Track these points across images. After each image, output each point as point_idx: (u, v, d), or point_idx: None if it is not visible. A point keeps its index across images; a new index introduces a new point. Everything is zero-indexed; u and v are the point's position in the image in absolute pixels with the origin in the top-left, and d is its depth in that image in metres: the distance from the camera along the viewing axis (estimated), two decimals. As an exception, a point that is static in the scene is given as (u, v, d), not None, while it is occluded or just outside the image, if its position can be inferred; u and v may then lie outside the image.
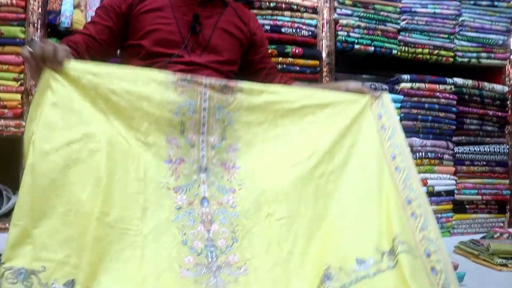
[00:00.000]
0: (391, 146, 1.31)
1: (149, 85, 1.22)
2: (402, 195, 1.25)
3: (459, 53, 2.35)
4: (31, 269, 1.02)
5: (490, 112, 2.37)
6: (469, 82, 2.32)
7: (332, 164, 1.30)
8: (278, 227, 1.22)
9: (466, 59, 2.37)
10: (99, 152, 1.09)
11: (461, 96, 2.30)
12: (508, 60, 2.45)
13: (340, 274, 1.13)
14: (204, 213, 1.24)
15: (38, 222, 1.03)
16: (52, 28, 1.98)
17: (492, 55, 2.40)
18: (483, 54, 2.39)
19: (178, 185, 1.25)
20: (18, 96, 1.92)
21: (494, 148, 2.37)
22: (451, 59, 2.35)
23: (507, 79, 2.47)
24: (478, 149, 2.34)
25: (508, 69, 2.47)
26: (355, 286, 1.10)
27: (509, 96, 2.44)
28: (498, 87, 2.38)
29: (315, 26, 2.20)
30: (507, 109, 2.42)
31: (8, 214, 1.99)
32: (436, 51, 2.32)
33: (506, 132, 2.45)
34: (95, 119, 1.16)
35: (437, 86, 2.26)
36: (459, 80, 2.29)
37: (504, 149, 2.40)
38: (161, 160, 1.24)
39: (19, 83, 1.92)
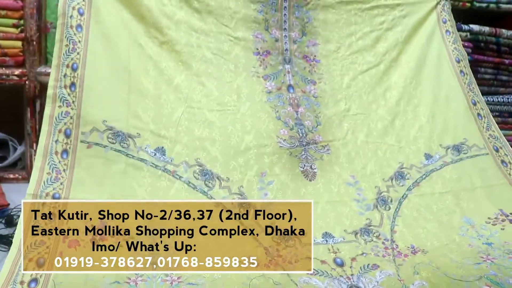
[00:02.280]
0: (455, 50, 1.51)
1: None
2: (468, 97, 1.44)
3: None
4: (128, 133, 1.20)
5: (507, 61, 2.30)
6: (486, 29, 2.23)
7: (400, 68, 1.49)
8: (353, 120, 1.40)
9: (484, 4, 2.28)
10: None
11: (476, 44, 2.21)
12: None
13: (411, 171, 1.30)
14: (291, 98, 1.42)
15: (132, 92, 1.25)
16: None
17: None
18: (504, -1, 2.28)
19: (267, 74, 1.45)
20: (19, 43, 1.80)
21: (508, 99, 2.30)
22: (468, 4, 2.25)
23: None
24: (492, 99, 2.25)
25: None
26: (426, 180, 1.26)
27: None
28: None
29: None
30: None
31: (15, 165, 1.89)
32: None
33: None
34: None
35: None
36: (475, 27, 2.20)
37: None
38: (250, 52, 1.45)
39: (19, 29, 1.79)
